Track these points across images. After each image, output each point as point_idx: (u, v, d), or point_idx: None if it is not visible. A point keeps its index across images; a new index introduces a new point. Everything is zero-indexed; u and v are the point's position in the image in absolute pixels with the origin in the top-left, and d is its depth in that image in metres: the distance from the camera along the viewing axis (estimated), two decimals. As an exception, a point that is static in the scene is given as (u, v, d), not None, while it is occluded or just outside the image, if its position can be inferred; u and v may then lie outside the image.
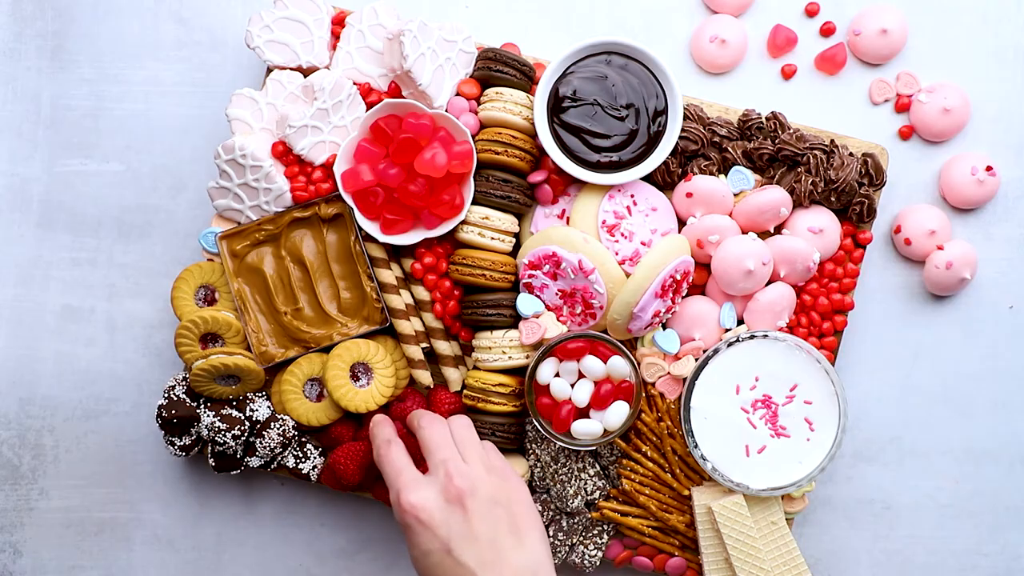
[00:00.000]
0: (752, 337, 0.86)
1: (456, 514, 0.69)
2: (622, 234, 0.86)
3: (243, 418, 0.88)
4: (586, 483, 0.89)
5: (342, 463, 0.88)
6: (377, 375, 0.88)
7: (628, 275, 0.86)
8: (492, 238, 0.87)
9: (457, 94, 0.88)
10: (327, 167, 0.88)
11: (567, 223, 0.88)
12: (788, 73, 0.95)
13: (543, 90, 0.86)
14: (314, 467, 0.90)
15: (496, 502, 0.71)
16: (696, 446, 0.86)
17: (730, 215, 0.88)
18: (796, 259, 0.87)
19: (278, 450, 0.88)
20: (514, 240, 0.89)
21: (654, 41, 0.96)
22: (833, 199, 0.88)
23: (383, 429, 0.80)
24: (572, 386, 0.86)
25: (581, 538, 0.91)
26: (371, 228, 0.87)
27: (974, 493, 0.95)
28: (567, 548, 0.90)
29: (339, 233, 0.90)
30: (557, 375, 0.86)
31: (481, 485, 0.71)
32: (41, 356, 0.96)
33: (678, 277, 0.85)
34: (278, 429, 0.88)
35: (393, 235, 0.87)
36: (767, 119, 0.89)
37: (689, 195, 0.87)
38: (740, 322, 0.89)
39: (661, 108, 0.86)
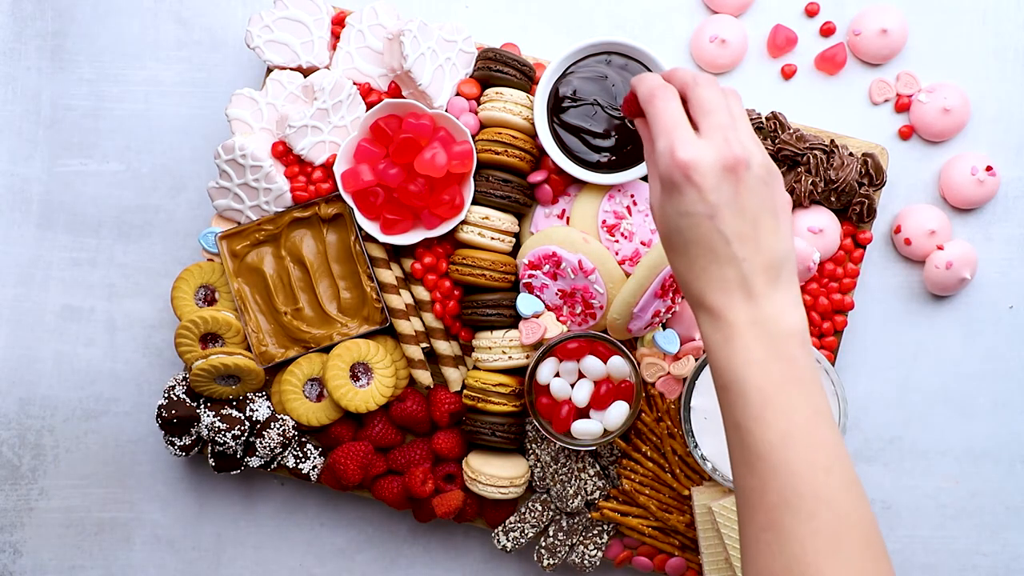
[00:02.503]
0: (752, 337, 0.86)
1: (729, 183, 0.64)
2: (622, 234, 0.86)
3: (243, 418, 0.88)
4: (586, 483, 0.89)
5: (342, 463, 0.88)
6: (377, 375, 0.88)
7: (628, 275, 0.86)
8: (492, 238, 0.87)
9: (457, 94, 0.88)
10: (327, 167, 0.88)
11: (567, 223, 0.88)
12: (788, 73, 0.95)
13: (543, 90, 0.86)
14: (314, 467, 0.90)
15: (765, 182, 0.65)
16: (696, 446, 0.86)
17: (730, 215, 0.88)
18: (796, 259, 0.87)
19: (278, 450, 0.88)
20: (514, 240, 0.89)
21: (654, 41, 0.96)
22: (833, 199, 0.88)
23: (655, 77, 0.71)
24: (572, 386, 0.86)
25: (581, 538, 0.91)
26: (371, 228, 0.87)
27: (974, 493, 0.95)
28: (567, 548, 0.90)
29: (339, 233, 0.90)
30: (557, 375, 0.86)
31: (756, 160, 0.65)
32: (41, 356, 0.96)
33: (678, 277, 0.85)
34: (278, 429, 0.88)
35: (393, 235, 0.87)
36: (767, 119, 0.89)
37: (689, 195, 0.87)
38: (740, 322, 0.89)
39: (661, 108, 0.86)
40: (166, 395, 0.88)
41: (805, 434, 0.61)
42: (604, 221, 0.86)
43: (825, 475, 0.60)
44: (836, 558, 0.58)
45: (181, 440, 0.89)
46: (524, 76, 0.87)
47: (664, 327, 0.89)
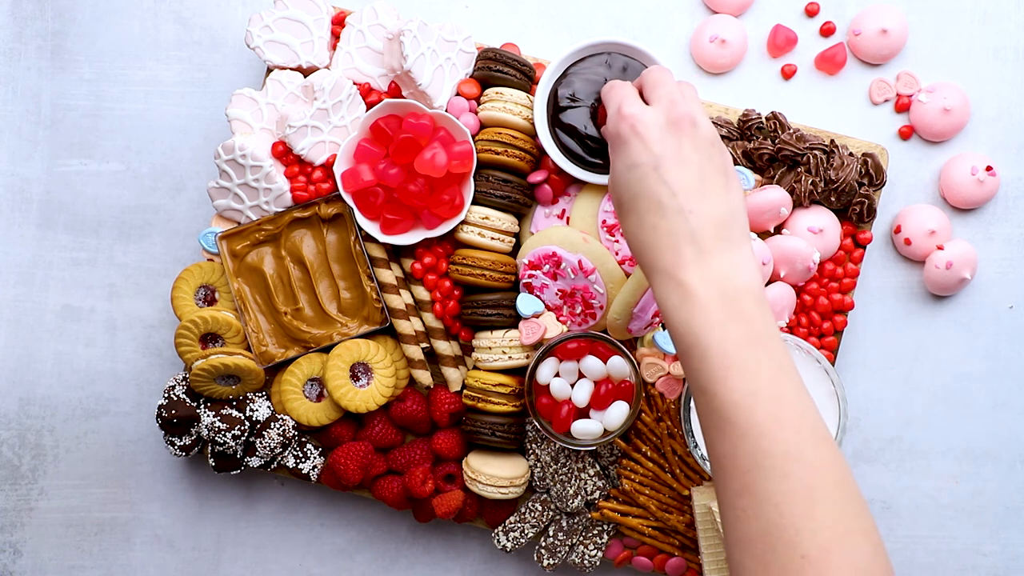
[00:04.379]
0: (752, 337, 0.86)
1: (672, 137, 0.66)
2: (622, 234, 0.86)
3: (243, 418, 0.88)
4: (586, 483, 0.89)
5: (342, 463, 0.88)
6: (377, 375, 0.88)
7: (628, 275, 0.86)
8: (492, 238, 0.87)
9: (457, 94, 0.88)
10: (327, 167, 0.88)
11: (567, 223, 0.88)
12: (788, 73, 0.95)
13: (543, 90, 0.86)
14: (314, 467, 0.90)
15: (712, 143, 0.67)
16: (696, 446, 0.86)
17: (730, 215, 0.88)
18: (796, 259, 0.87)
19: (278, 450, 0.88)
20: (514, 240, 0.89)
21: (654, 41, 0.96)
22: (833, 199, 0.88)
23: (617, 81, 0.76)
24: (572, 386, 0.86)
25: (581, 538, 0.91)
26: (371, 228, 0.87)
27: (974, 493, 0.95)
28: (567, 548, 0.90)
29: (339, 233, 0.90)
30: (557, 375, 0.86)
31: (703, 122, 0.67)
32: (41, 356, 0.96)
33: (678, 277, 0.85)
34: (278, 429, 0.88)
35: (393, 235, 0.87)
36: (767, 119, 0.89)
37: (689, 195, 0.87)
38: (740, 322, 0.89)
39: (661, 108, 0.86)
40: (166, 395, 0.88)
41: (770, 392, 0.60)
42: (604, 221, 0.86)
43: (795, 433, 0.59)
44: (813, 518, 0.57)
45: (181, 440, 0.89)
46: (524, 76, 0.87)
47: (664, 327, 0.89)
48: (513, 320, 0.88)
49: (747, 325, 0.62)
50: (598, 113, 0.84)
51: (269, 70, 0.90)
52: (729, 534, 0.61)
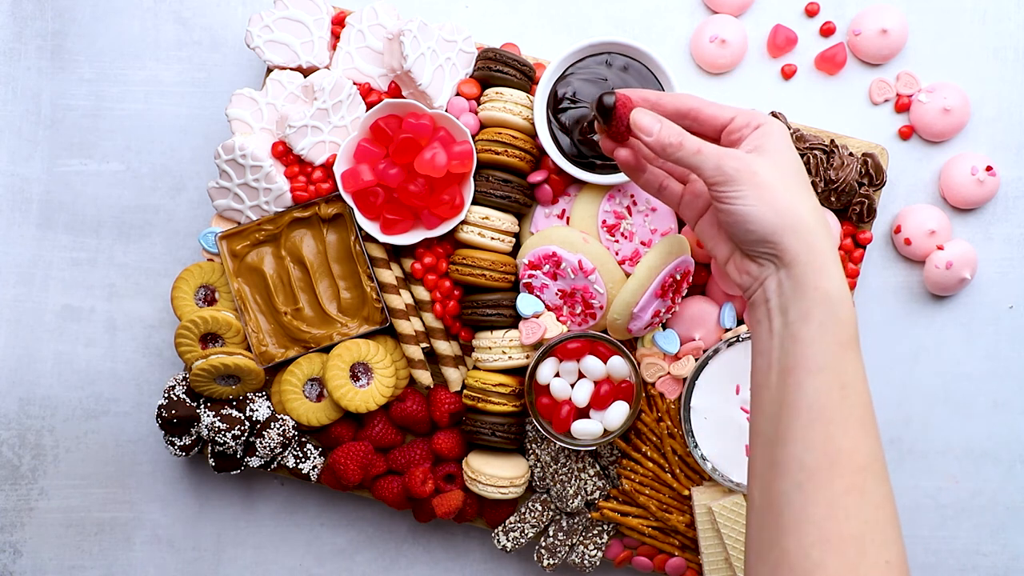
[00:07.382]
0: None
1: None
2: (622, 234, 0.86)
3: (243, 418, 0.88)
4: (586, 483, 0.89)
5: (342, 463, 0.88)
6: (377, 375, 0.88)
7: (628, 275, 0.86)
8: (492, 238, 0.87)
9: (457, 94, 0.88)
10: (327, 167, 0.88)
11: (567, 223, 0.88)
12: (788, 73, 0.95)
13: (543, 90, 0.86)
14: (314, 467, 0.90)
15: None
16: (696, 446, 0.86)
17: (730, 215, 0.88)
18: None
19: (278, 450, 0.88)
20: (514, 240, 0.89)
21: (654, 41, 0.96)
22: (833, 199, 0.88)
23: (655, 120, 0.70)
24: (572, 386, 0.86)
25: (581, 538, 0.91)
26: (371, 228, 0.87)
27: (974, 493, 0.95)
28: (567, 548, 0.90)
29: (339, 233, 0.90)
30: (557, 375, 0.86)
31: None
32: (41, 356, 0.96)
33: (678, 277, 0.85)
34: (278, 429, 0.88)
35: (393, 235, 0.87)
36: (767, 119, 0.89)
37: (689, 195, 0.87)
38: (740, 322, 0.89)
39: (661, 108, 0.86)
40: (166, 395, 0.88)
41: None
42: (604, 221, 0.86)
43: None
44: (894, 526, 0.61)
45: (181, 440, 0.89)
46: (524, 76, 0.87)
47: (664, 327, 0.89)
48: (513, 320, 0.88)
49: None
50: (605, 119, 0.74)
51: (269, 70, 0.90)
52: (815, 533, 0.59)
